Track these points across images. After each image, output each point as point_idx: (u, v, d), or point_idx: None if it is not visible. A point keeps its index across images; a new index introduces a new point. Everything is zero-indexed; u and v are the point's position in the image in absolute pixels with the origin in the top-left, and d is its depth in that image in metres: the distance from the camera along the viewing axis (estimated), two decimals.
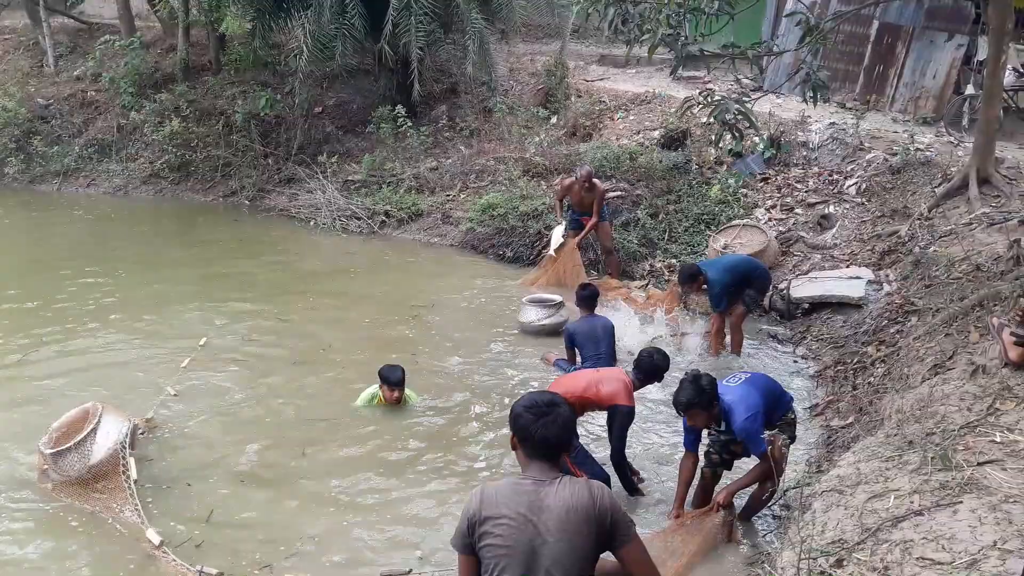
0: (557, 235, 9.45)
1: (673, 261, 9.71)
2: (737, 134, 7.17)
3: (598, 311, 7.36)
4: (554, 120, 13.40)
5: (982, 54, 11.05)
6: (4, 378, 6.74)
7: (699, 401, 4.44)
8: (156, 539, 4.54)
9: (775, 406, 4.75)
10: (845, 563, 3.36)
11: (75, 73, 15.72)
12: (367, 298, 9.14)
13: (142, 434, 5.67)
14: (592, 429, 5.93)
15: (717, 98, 6.98)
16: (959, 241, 7.52)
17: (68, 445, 5.03)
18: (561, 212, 9.66)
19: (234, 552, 4.59)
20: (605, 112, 13.31)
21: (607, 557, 2.69)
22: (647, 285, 9.41)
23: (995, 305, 5.75)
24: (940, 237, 8.02)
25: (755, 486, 4.69)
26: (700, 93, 7.24)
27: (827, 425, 6.04)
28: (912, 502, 3.63)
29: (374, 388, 6.31)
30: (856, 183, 10.12)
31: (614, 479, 5.16)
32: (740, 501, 4.85)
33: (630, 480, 5.27)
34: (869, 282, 8.09)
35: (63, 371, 6.84)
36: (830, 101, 12.09)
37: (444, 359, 7.44)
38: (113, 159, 14.28)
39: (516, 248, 10.55)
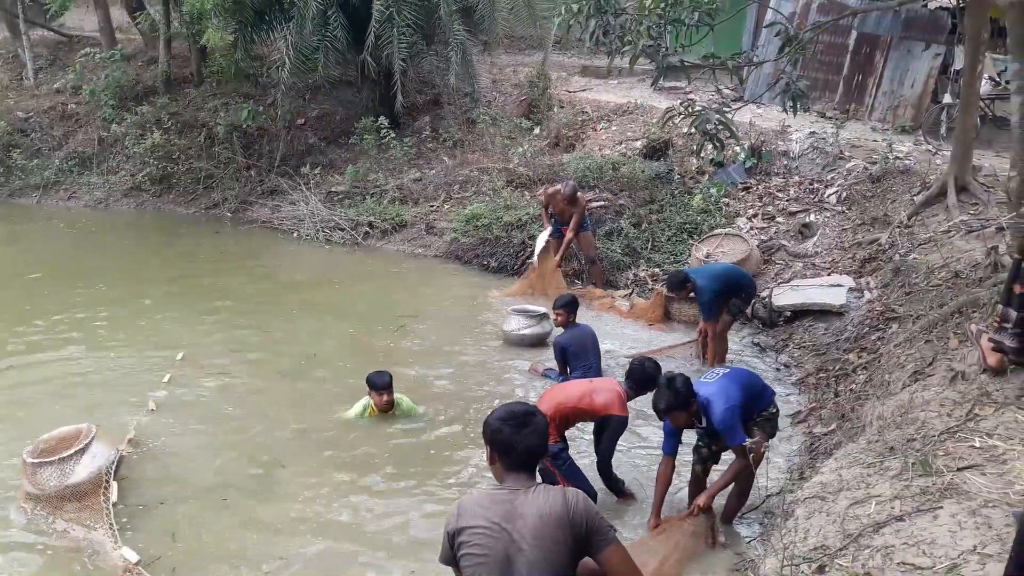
0: (541, 241, 9.48)
1: (656, 270, 9.76)
2: (718, 144, 7.22)
3: (583, 319, 7.39)
4: (537, 131, 13.45)
5: (959, 63, 11.21)
6: None
7: (676, 403, 4.52)
8: (134, 557, 4.48)
9: (756, 400, 4.80)
10: (827, 569, 3.37)
11: (55, 86, 15.66)
12: (351, 309, 9.12)
13: (129, 454, 5.61)
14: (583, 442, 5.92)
15: (698, 108, 7.04)
16: (938, 248, 7.59)
17: (52, 460, 4.98)
18: (547, 220, 9.69)
19: (209, 572, 4.54)
20: (588, 122, 13.37)
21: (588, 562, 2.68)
22: (631, 294, 9.44)
23: (974, 312, 5.80)
24: (919, 245, 8.10)
25: (732, 485, 4.72)
26: (681, 103, 7.30)
27: (809, 432, 6.07)
28: (893, 508, 3.65)
29: (364, 400, 6.26)
30: (836, 192, 10.21)
31: (600, 485, 5.17)
32: (720, 501, 4.89)
33: (617, 484, 5.28)
34: (850, 290, 8.15)
35: (41, 385, 6.77)
36: (810, 111, 12.18)
37: (429, 369, 7.43)
38: (94, 172, 14.21)
39: (500, 258, 10.56)
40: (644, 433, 6.11)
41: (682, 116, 7.20)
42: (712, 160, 10.98)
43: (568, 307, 7.24)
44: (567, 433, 5.26)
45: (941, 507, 3.52)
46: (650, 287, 9.48)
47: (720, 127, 6.91)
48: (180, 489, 5.35)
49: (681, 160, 11.26)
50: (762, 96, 10.00)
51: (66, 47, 17.28)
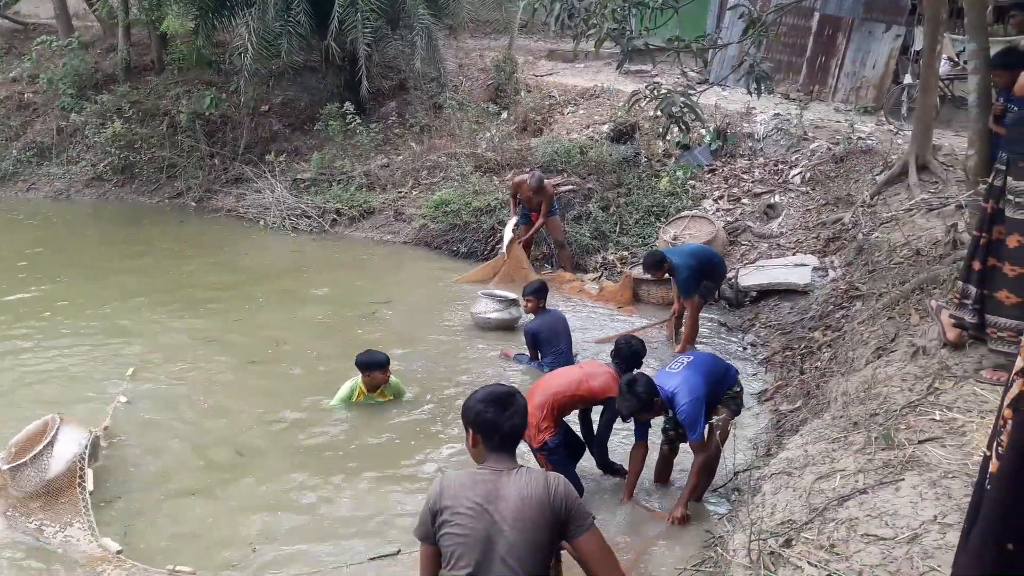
0: (508, 232, 9.49)
1: (625, 253, 9.82)
2: (684, 127, 7.25)
3: (552, 303, 7.41)
4: (505, 115, 13.41)
5: (919, 44, 11.35)
6: None
7: (639, 407, 4.66)
8: (114, 547, 4.44)
9: (720, 383, 4.90)
10: (794, 543, 3.44)
11: (11, 75, 15.32)
12: (320, 297, 9.07)
13: (105, 447, 5.54)
14: None
15: (663, 92, 7.05)
16: (900, 227, 7.71)
17: (24, 460, 4.90)
18: (515, 208, 9.69)
19: (190, 559, 4.51)
20: (555, 107, 13.37)
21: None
22: (600, 277, 9.49)
23: (934, 288, 5.92)
24: (882, 223, 8.22)
25: (695, 480, 4.81)
26: (647, 87, 7.30)
27: (776, 409, 6.16)
28: (857, 481, 3.73)
29: (351, 383, 6.21)
30: (801, 172, 10.33)
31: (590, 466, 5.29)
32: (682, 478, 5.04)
33: (609, 462, 5.36)
34: (814, 269, 8.27)
35: (2, 381, 6.65)
36: (774, 92, 12.30)
37: (400, 356, 7.41)
38: (53, 162, 13.95)
39: (470, 244, 10.56)
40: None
41: (648, 99, 7.21)
42: (678, 143, 11.05)
43: (537, 293, 7.27)
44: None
45: (903, 479, 3.60)
46: (619, 270, 9.53)
47: (685, 110, 6.92)
48: (149, 481, 5.29)
49: (648, 143, 11.31)
50: (727, 78, 10.05)
51: (22, 35, 16.89)
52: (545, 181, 9.34)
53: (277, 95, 14.58)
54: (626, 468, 5.23)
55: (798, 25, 13.38)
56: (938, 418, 4.08)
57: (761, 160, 10.89)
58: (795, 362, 6.87)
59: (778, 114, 11.44)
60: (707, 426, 4.69)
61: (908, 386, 4.63)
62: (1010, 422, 1.98)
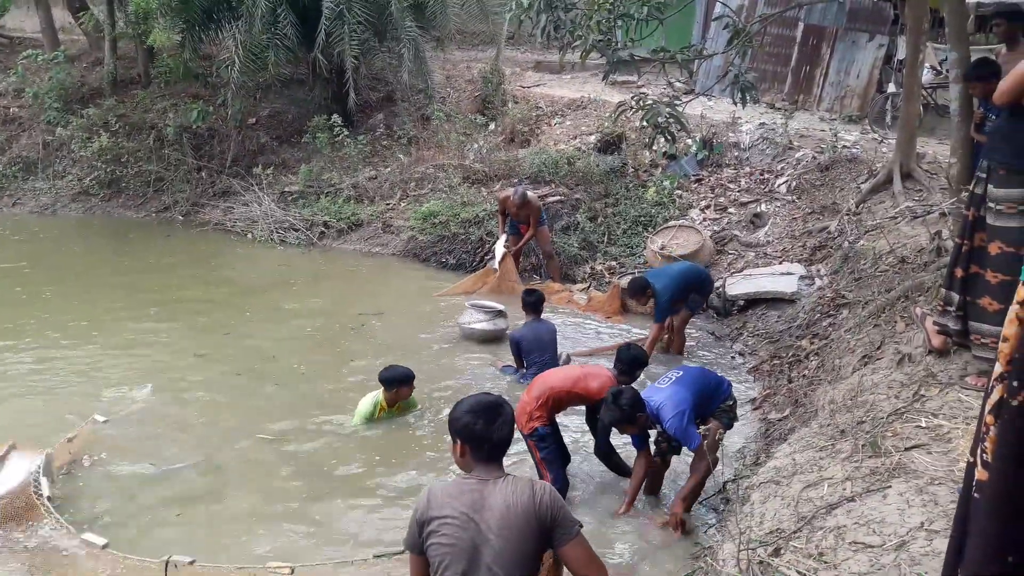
0: (499, 248, 9.49)
1: (613, 263, 9.85)
2: (670, 137, 7.30)
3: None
4: (492, 127, 13.45)
5: (902, 53, 11.45)
6: None
7: (623, 419, 4.68)
8: (100, 541, 4.39)
9: (710, 397, 4.94)
10: (783, 552, 3.45)
11: None
12: (309, 309, 9.05)
13: (64, 467, 5.47)
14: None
15: (649, 102, 7.10)
16: (885, 235, 7.77)
17: None
18: (504, 222, 9.71)
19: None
20: (542, 118, 13.42)
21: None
22: (588, 288, 9.51)
23: (919, 295, 5.96)
24: (867, 231, 8.28)
25: (695, 481, 4.82)
26: (633, 97, 7.35)
27: (764, 418, 6.18)
28: (845, 489, 3.75)
29: (372, 398, 6.18)
30: (786, 181, 10.40)
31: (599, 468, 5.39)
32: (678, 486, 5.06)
33: (621, 464, 5.39)
34: (801, 277, 8.31)
35: None
36: (760, 102, 12.35)
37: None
38: (39, 177, 13.87)
39: (458, 255, 10.56)
40: None
41: (634, 110, 7.26)
42: (665, 153, 11.10)
43: (527, 306, 7.34)
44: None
45: (890, 487, 3.62)
46: (607, 280, 9.56)
47: (671, 120, 6.98)
48: (132, 496, 5.23)
49: (634, 153, 11.36)
50: (712, 88, 10.12)
51: (7, 49, 16.83)
52: (529, 194, 9.36)
53: (264, 108, 14.58)
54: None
55: (783, 35, 13.49)
56: (924, 425, 4.11)
57: (747, 169, 10.95)
58: (783, 370, 6.89)
59: (763, 124, 11.52)
60: (706, 430, 4.73)
61: (894, 393, 4.66)
62: (992, 428, 1.99)
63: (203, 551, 4.63)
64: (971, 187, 4.45)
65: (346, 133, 12.60)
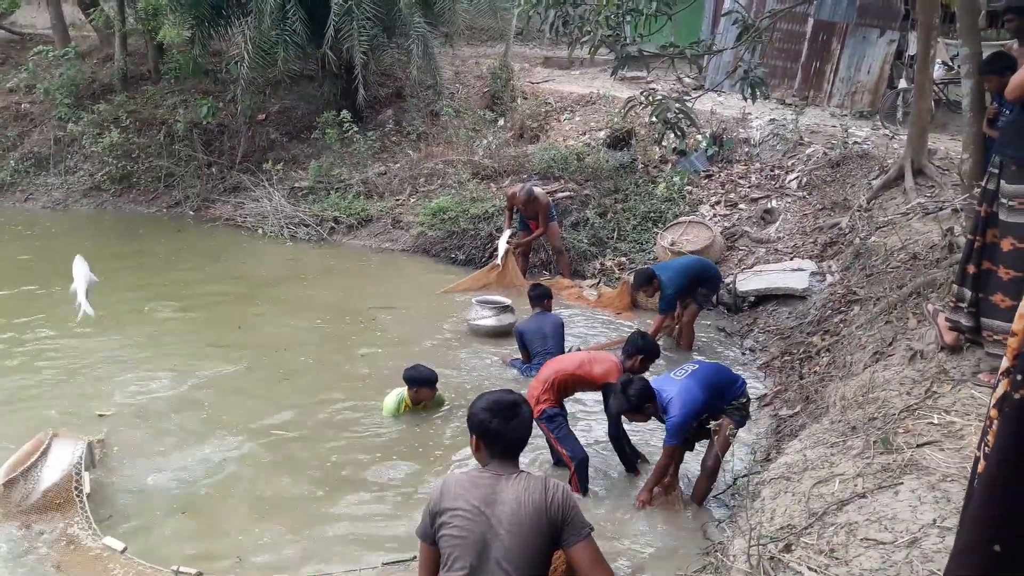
0: (502, 244, 9.50)
1: (623, 259, 9.84)
2: (679, 133, 7.29)
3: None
4: (501, 122, 13.45)
5: (913, 49, 11.40)
6: None
7: (628, 408, 4.75)
8: (119, 546, 4.43)
9: (722, 394, 4.92)
10: (793, 548, 3.44)
11: (8, 85, 15.30)
12: (319, 304, 9.07)
13: (101, 454, 5.53)
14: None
15: (658, 98, 7.09)
16: (896, 231, 7.74)
17: (15, 475, 4.90)
18: (510, 219, 9.72)
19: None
20: (551, 113, 13.41)
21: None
22: (598, 283, 9.51)
23: (931, 292, 5.93)
24: (878, 227, 8.25)
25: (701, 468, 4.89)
26: (642, 93, 7.35)
27: (775, 414, 6.17)
28: (856, 485, 3.73)
29: (398, 394, 6.23)
30: (797, 177, 10.36)
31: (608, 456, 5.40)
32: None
33: (627, 457, 5.42)
34: (812, 273, 8.28)
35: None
36: (770, 98, 12.38)
37: (400, 361, 7.41)
38: (51, 172, 13.93)
39: (468, 251, 10.57)
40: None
41: (643, 106, 7.26)
42: (674, 149, 11.08)
43: (532, 299, 7.48)
44: None
45: (902, 483, 3.61)
46: (617, 276, 9.55)
47: (681, 116, 6.97)
48: (145, 492, 5.25)
49: (644, 149, 11.34)
50: (722, 84, 10.10)
51: (18, 45, 16.89)
52: (536, 190, 9.36)
53: (274, 104, 14.61)
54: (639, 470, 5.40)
55: (793, 31, 13.43)
56: (936, 422, 4.09)
57: (757, 165, 10.92)
58: (794, 367, 6.88)
59: (774, 119, 11.48)
60: (717, 425, 4.75)
61: (906, 390, 4.64)
62: (996, 422, 1.98)
63: (211, 552, 4.67)
64: (983, 183, 4.42)
65: (355, 129, 12.62)
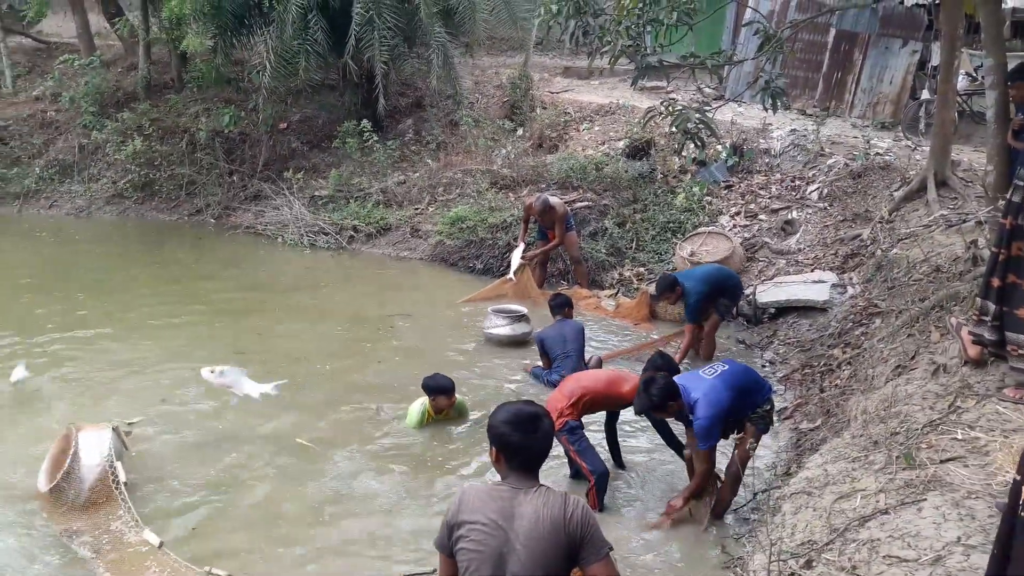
0: (516, 258, 9.47)
1: (641, 269, 9.80)
2: (699, 143, 7.27)
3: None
4: (520, 132, 13.46)
5: (936, 60, 11.31)
6: None
7: (650, 407, 4.76)
8: (155, 540, 4.46)
9: (749, 397, 4.87)
10: (814, 564, 3.40)
11: (34, 93, 15.49)
12: (338, 312, 9.10)
13: (128, 434, 5.57)
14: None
15: (679, 108, 7.08)
16: (919, 243, 7.66)
17: (57, 480, 4.94)
18: (525, 231, 9.71)
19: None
20: (570, 123, 13.40)
21: None
22: (616, 294, 9.48)
23: (954, 305, 5.87)
24: (900, 239, 8.17)
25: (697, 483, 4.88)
26: (662, 103, 7.33)
27: (796, 428, 6.12)
28: (878, 501, 3.69)
29: (420, 404, 6.23)
30: (818, 188, 10.29)
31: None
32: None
33: (674, 439, 5.50)
34: (833, 286, 8.22)
35: (21, 396, 6.69)
36: (791, 108, 12.30)
37: (419, 370, 7.41)
38: (75, 180, 14.08)
39: (486, 260, 10.57)
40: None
41: (663, 116, 7.24)
42: (694, 159, 11.04)
43: (552, 308, 7.55)
44: None
45: (925, 499, 3.56)
46: (635, 286, 9.51)
47: (701, 126, 6.95)
48: (167, 503, 5.29)
49: (664, 159, 11.30)
50: (742, 94, 10.07)
51: (44, 54, 17.12)
52: (552, 200, 9.35)
53: (295, 113, 14.70)
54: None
55: (814, 41, 13.37)
56: (960, 437, 4.04)
57: (778, 176, 10.85)
58: (814, 380, 6.82)
59: (795, 130, 11.41)
60: (739, 437, 4.72)
61: (929, 404, 4.58)
62: None
63: (232, 559, 4.68)
64: (1008, 195, 4.37)
65: (375, 138, 12.67)
